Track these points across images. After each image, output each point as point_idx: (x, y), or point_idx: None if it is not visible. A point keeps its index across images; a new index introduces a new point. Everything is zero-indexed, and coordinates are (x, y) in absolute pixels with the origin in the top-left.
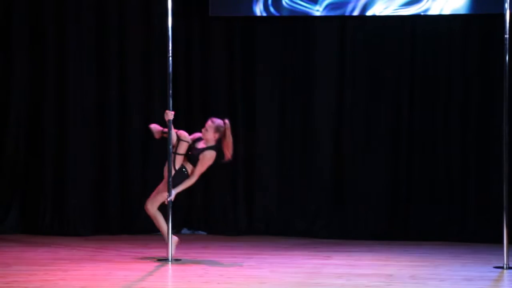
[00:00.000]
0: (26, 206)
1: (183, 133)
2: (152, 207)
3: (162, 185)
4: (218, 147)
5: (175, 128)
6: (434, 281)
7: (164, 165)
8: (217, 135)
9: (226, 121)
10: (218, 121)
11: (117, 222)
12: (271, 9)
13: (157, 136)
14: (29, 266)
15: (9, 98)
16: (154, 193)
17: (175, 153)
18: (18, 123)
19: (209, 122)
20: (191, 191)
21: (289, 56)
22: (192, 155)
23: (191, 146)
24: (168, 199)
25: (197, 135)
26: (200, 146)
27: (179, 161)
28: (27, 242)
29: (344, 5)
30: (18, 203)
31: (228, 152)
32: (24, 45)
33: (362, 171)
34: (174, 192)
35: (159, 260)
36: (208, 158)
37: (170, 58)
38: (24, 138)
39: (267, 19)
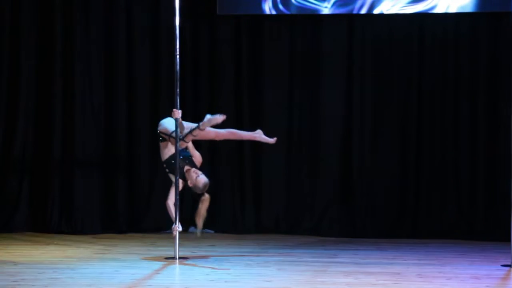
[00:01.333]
0: (34, 204)
1: (196, 155)
2: None
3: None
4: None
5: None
6: (441, 279)
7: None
8: (191, 185)
9: (206, 195)
10: (202, 183)
11: (125, 220)
12: (280, 6)
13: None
14: (37, 264)
15: (17, 97)
16: None
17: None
18: (26, 123)
19: (200, 177)
20: None
21: (297, 54)
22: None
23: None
24: (176, 230)
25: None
26: (188, 170)
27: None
28: (35, 240)
29: (352, 2)
30: (26, 202)
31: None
32: (32, 42)
33: (369, 169)
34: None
35: (167, 258)
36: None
37: (178, 57)
38: (32, 137)
39: (275, 17)
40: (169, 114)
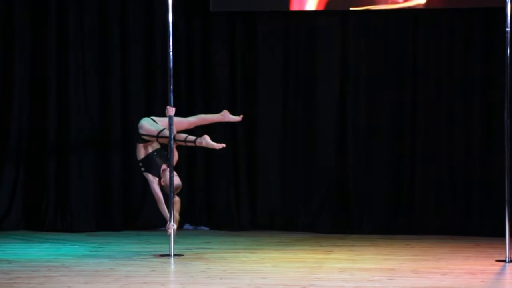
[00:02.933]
0: (29, 202)
1: (175, 154)
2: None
3: None
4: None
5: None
6: (436, 275)
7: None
8: (163, 184)
9: (177, 198)
10: (174, 185)
11: (120, 218)
12: None
13: None
14: (32, 262)
15: (11, 94)
16: None
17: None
18: (21, 121)
19: (174, 178)
20: (193, 187)
21: (291, 51)
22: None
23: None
24: (171, 228)
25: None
26: (165, 169)
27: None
28: (30, 238)
29: None
30: (21, 199)
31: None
32: (27, 40)
33: (365, 166)
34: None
35: (162, 255)
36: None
37: (171, 54)
38: (27, 134)
39: (269, 14)
40: (163, 111)
